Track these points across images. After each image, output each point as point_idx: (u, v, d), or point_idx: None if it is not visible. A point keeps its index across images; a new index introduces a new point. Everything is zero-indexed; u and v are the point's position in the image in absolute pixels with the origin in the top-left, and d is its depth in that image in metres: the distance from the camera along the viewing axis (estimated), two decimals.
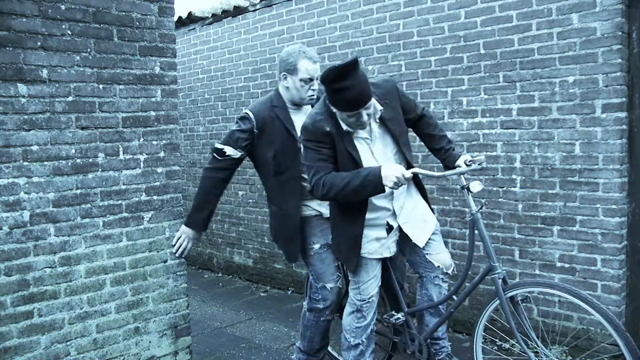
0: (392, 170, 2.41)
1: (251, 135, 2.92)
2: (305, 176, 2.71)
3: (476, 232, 2.60)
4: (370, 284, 2.76)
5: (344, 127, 2.52)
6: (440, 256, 2.81)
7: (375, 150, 2.63)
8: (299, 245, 3.02)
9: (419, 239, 2.75)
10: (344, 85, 2.32)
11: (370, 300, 2.77)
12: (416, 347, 2.89)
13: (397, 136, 2.65)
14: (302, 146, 2.62)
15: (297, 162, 2.88)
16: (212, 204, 3.03)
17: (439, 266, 2.79)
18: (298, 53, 2.85)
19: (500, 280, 2.52)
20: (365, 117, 2.45)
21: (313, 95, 2.92)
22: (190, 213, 3.01)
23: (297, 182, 2.95)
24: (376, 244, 2.74)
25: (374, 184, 2.42)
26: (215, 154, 2.94)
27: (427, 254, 2.79)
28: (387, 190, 2.49)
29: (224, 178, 3.00)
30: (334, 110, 2.47)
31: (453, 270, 2.84)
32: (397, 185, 2.42)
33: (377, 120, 2.60)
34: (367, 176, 2.42)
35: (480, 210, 2.62)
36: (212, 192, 3.02)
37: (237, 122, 2.97)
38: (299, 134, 2.81)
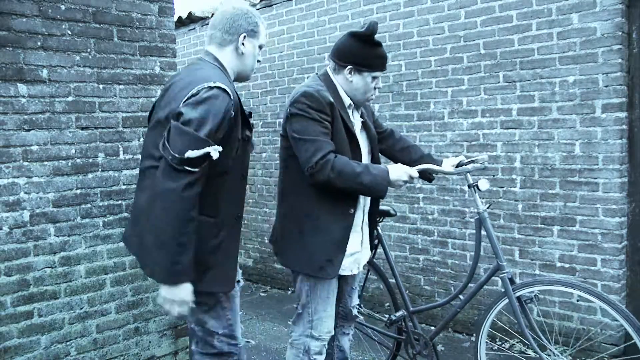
0: (399, 173, 2.29)
1: (227, 121, 1.95)
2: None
3: (483, 232, 2.60)
4: (328, 318, 2.45)
5: (347, 101, 2.38)
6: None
7: (359, 138, 2.44)
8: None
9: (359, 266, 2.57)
10: (378, 41, 2.35)
11: (326, 337, 2.47)
12: (421, 347, 2.89)
13: (372, 140, 2.51)
14: (297, 117, 2.25)
15: (247, 158, 2.17)
16: (194, 236, 1.91)
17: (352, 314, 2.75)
18: (256, 13, 2.19)
19: (508, 279, 2.52)
20: (380, 84, 2.43)
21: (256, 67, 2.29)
22: (165, 261, 1.86)
23: (244, 182, 2.20)
24: (350, 259, 2.44)
25: (380, 186, 2.23)
26: (187, 167, 1.83)
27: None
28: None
29: (199, 192, 1.90)
30: (359, 72, 2.33)
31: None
32: (401, 186, 2.35)
33: (359, 111, 2.50)
34: (376, 175, 2.22)
35: (487, 210, 2.61)
36: (193, 216, 1.88)
37: (206, 102, 1.88)
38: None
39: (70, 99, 2.63)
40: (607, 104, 3.25)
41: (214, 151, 1.89)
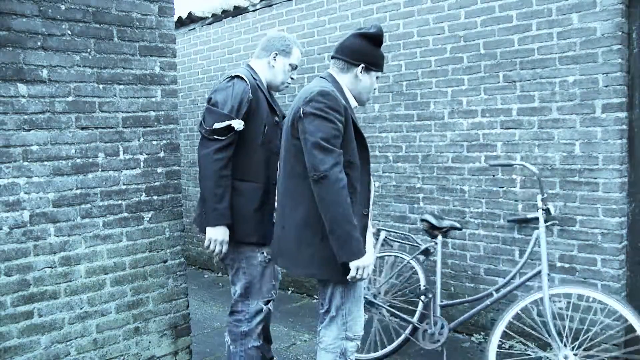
0: (370, 258, 2.23)
1: (247, 101, 2.67)
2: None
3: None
4: (361, 317, 2.43)
5: (354, 103, 2.42)
6: None
7: None
8: None
9: None
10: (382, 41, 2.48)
11: (360, 336, 2.43)
12: (437, 330, 2.96)
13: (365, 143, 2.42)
14: (311, 117, 2.21)
15: (279, 138, 2.69)
16: (229, 188, 2.64)
17: None
18: (292, 40, 2.88)
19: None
20: (376, 84, 2.53)
21: (289, 84, 2.93)
22: (209, 209, 2.63)
23: (277, 157, 2.71)
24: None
25: (354, 248, 2.15)
26: (216, 136, 2.61)
27: None
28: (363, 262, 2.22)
29: (230, 156, 2.65)
30: (368, 71, 2.40)
31: None
32: (358, 276, 2.21)
33: None
34: (357, 239, 2.16)
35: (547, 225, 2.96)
36: (225, 173, 2.63)
37: (227, 88, 2.69)
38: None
39: (70, 99, 2.63)
40: (607, 104, 3.25)
41: (237, 124, 2.59)
